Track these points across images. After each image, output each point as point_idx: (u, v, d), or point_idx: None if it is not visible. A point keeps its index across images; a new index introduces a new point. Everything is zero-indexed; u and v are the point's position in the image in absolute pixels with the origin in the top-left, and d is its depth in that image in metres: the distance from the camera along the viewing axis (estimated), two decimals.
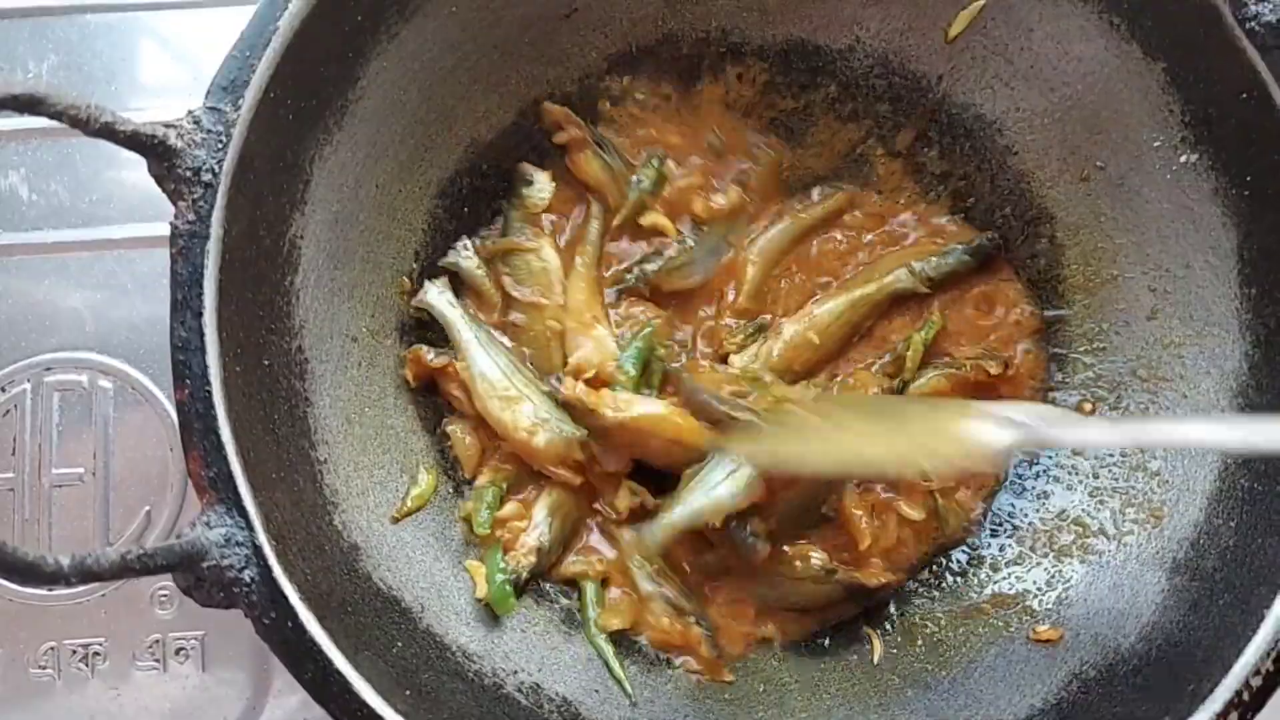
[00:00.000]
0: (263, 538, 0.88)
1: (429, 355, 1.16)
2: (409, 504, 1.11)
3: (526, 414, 1.10)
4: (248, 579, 0.87)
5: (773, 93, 1.27)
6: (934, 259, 1.22)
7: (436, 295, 1.18)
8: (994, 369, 1.18)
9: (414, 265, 1.18)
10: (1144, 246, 1.15)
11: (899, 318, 1.24)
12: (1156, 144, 1.10)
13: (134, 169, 1.31)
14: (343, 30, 1.00)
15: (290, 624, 0.87)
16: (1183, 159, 1.08)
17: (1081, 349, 1.21)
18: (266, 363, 0.98)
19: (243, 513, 0.87)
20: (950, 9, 1.16)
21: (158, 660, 1.18)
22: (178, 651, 1.21)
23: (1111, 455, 1.16)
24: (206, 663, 1.17)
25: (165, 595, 1.22)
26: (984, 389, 1.19)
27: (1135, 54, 1.07)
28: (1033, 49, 1.16)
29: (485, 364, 1.14)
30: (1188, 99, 1.05)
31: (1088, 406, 1.20)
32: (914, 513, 1.14)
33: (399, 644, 0.98)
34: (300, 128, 1.01)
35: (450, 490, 1.17)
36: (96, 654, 1.18)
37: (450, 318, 1.17)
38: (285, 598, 0.87)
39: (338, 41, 1.00)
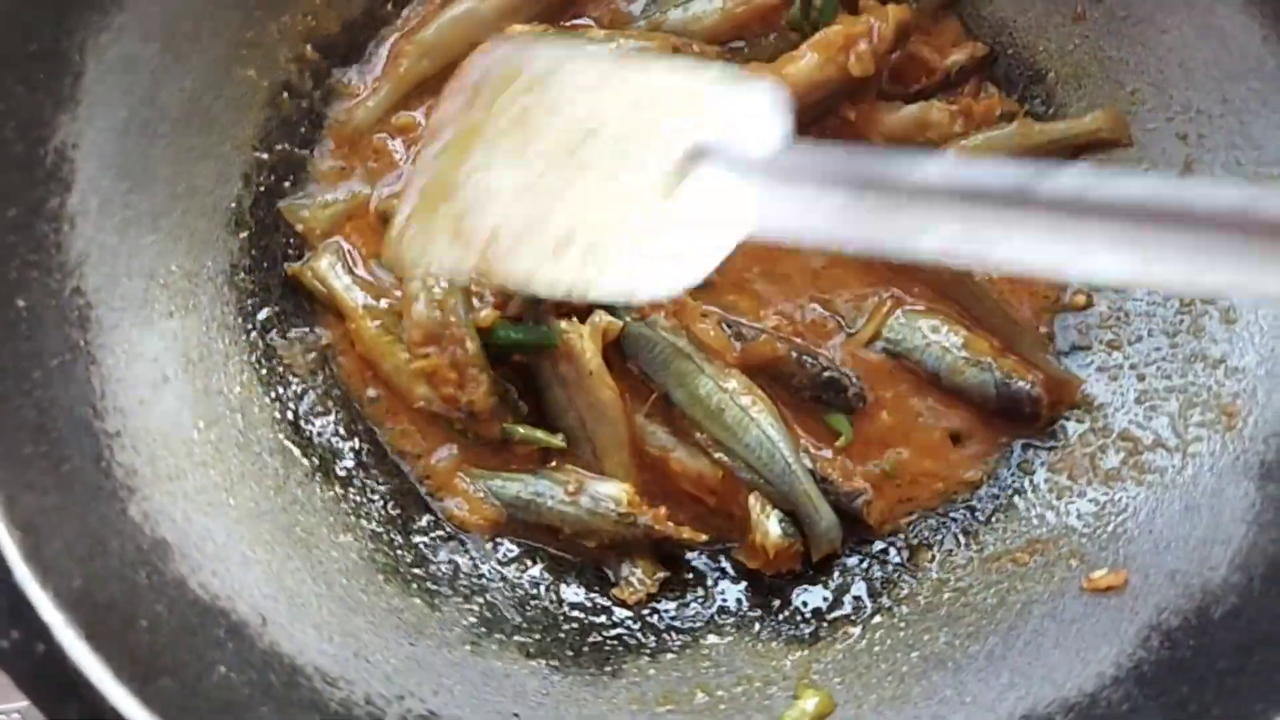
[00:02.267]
0: (1, 529, 0.62)
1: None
2: None
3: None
4: None
5: None
6: None
7: (329, 270, 0.96)
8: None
9: (242, 191, 0.95)
10: (1165, 87, 0.95)
11: None
12: None
13: None
14: None
15: (42, 647, 0.64)
16: None
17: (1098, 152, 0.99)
18: (22, 304, 0.76)
19: None
20: None
21: None
22: None
23: (1158, 346, 0.92)
24: None
25: None
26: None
27: None
28: None
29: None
30: None
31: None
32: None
33: (222, 668, 0.72)
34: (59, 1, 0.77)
35: (308, 470, 0.91)
36: None
37: (338, 290, 0.96)
38: (33, 611, 0.62)
39: None
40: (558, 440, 0.93)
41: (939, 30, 1.01)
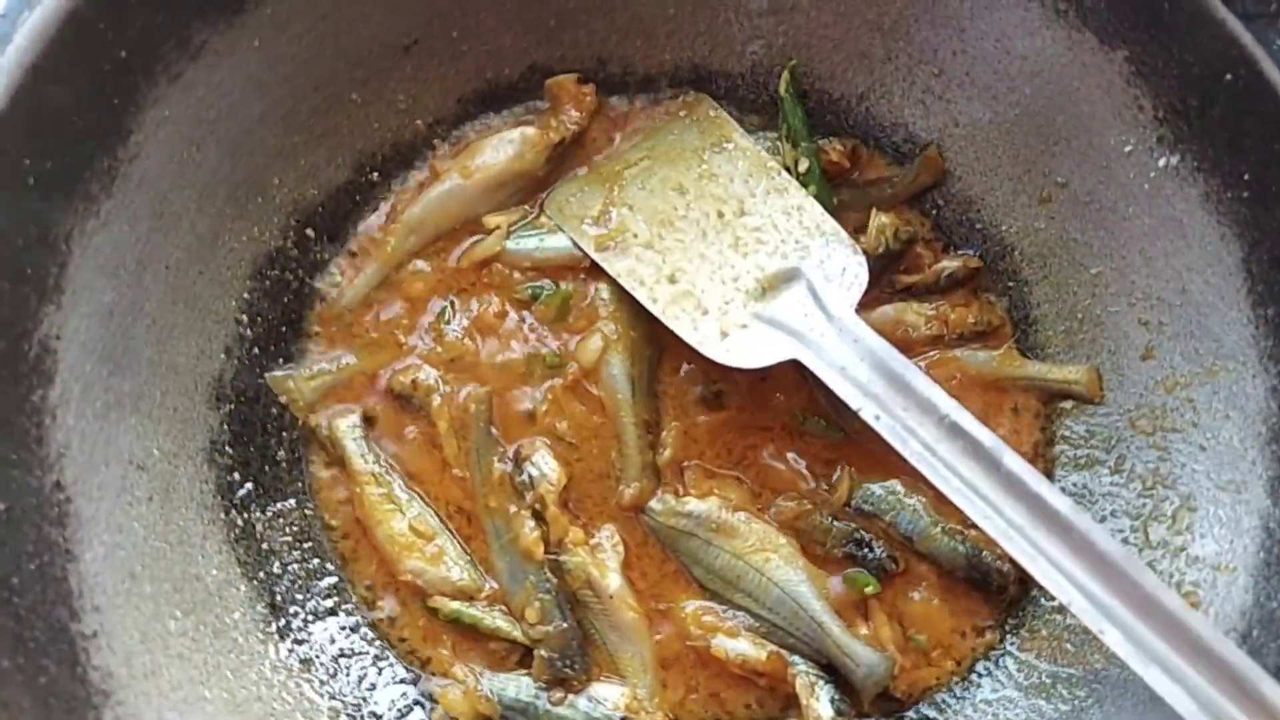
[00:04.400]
0: None
1: None
2: None
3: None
4: None
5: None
6: None
7: (348, 430, 0.98)
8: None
9: (224, 364, 0.94)
10: (1127, 273, 0.97)
11: None
12: (1128, 149, 0.93)
13: None
14: (100, 69, 0.80)
15: None
16: (1161, 163, 0.91)
17: (1065, 401, 0.99)
18: (2, 507, 0.73)
19: None
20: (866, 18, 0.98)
21: None
22: None
23: (1121, 528, 0.95)
24: None
25: None
26: None
27: (1090, 44, 0.91)
28: (966, 51, 0.98)
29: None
30: (1159, 90, 0.89)
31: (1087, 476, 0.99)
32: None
33: None
34: (48, 193, 0.80)
35: (283, 653, 0.90)
36: None
37: (351, 451, 0.98)
38: None
39: (96, 83, 0.80)
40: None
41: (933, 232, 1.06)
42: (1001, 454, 0.81)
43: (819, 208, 0.99)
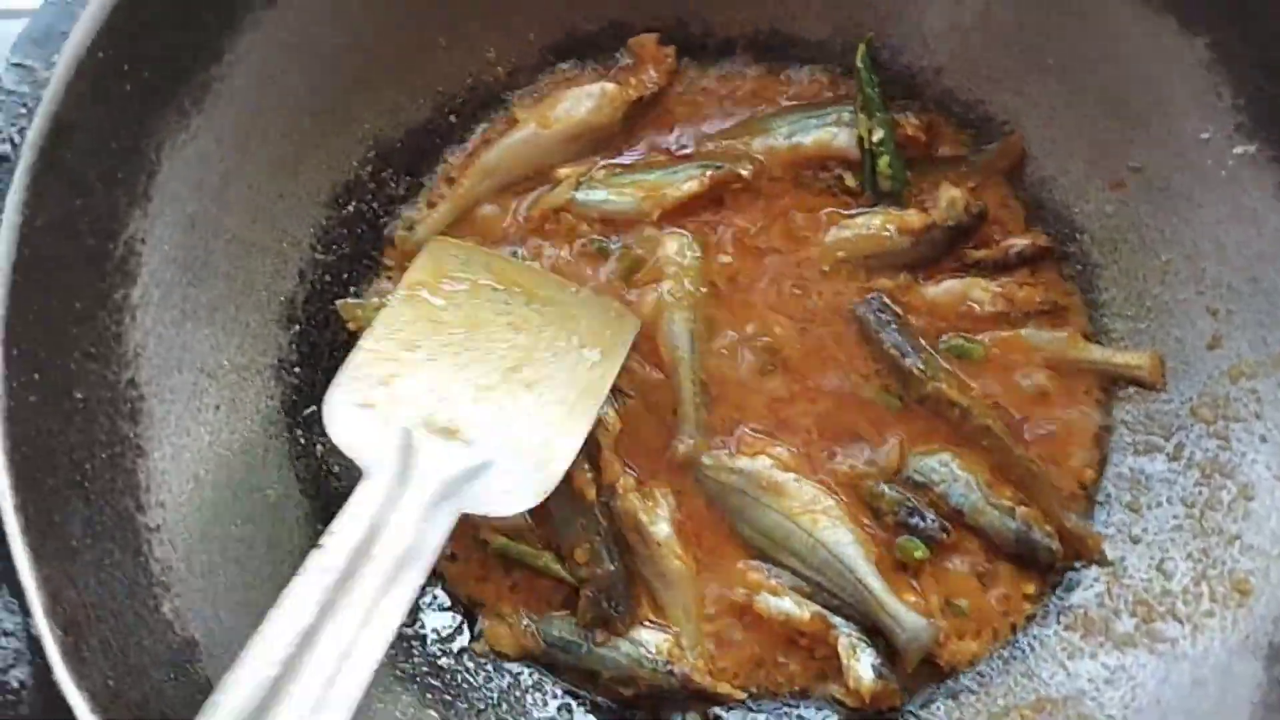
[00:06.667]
0: (43, 626, 0.65)
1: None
2: None
3: None
4: (14, 683, 0.63)
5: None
6: None
7: None
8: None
9: (297, 287, 0.96)
10: (1198, 260, 0.96)
11: None
12: (1205, 135, 0.92)
13: None
14: None
15: None
16: (1238, 151, 0.91)
17: (1126, 386, 0.99)
18: (79, 396, 0.78)
19: (15, 589, 0.63)
20: None
21: None
22: None
23: (1176, 514, 0.93)
24: None
25: None
26: None
27: (1170, 27, 0.90)
28: (1046, 32, 0.98)
29: None
30: (1239, 78, 0.89)
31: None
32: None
33: None
34: (144, 103, 0.82)
35: None
36: None
37: None
38: (69, 712, 0.63)
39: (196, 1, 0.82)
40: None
41: (1007, 209, 1.05)
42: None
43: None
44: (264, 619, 0.72)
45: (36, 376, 0.73)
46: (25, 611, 0.66)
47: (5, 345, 0.71)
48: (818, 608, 0.94)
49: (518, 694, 0.94)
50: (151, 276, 0.83)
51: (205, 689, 0.76)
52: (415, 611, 0.95)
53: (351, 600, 0.73)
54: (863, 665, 0.91)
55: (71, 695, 0.65)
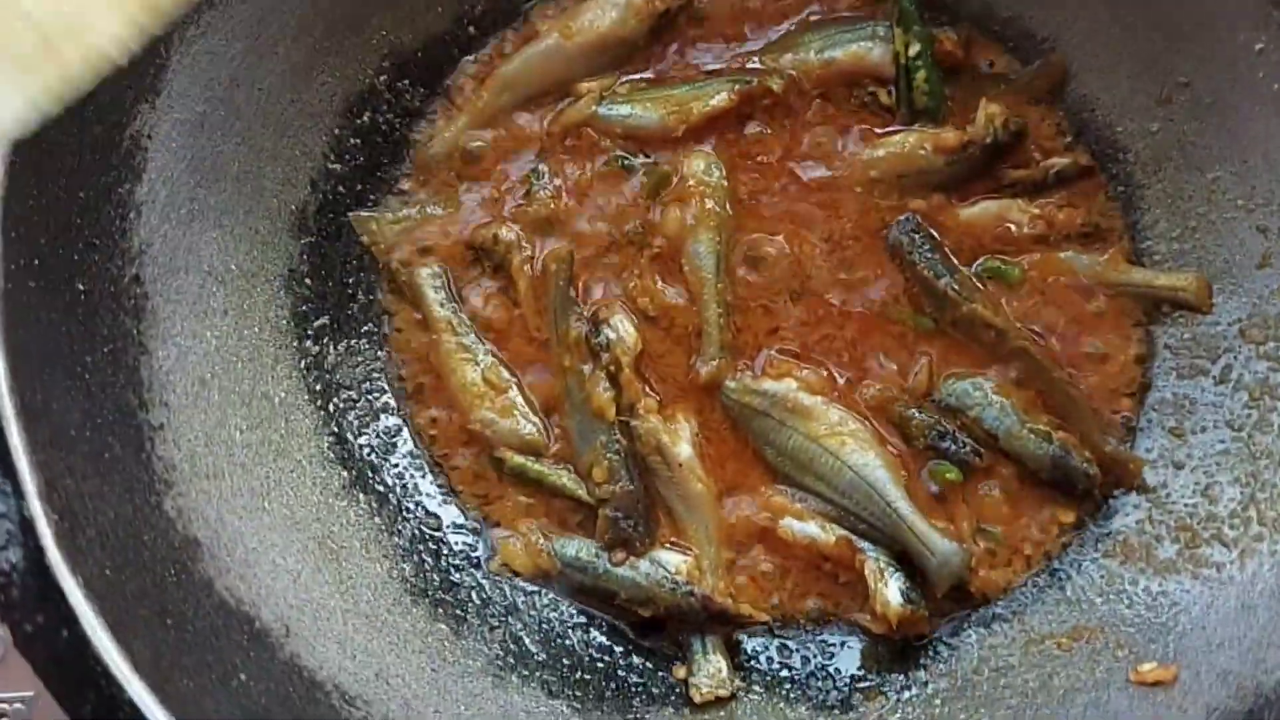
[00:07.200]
0: (37, 508, 0.64)
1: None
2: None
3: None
4: (4, 564, 0.60)
5: None
6: None
7: (429, 279, 0.97)
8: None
9: (308, 197, 0.94)
10: (1247, 178, 0.92)
11: None
12: (1258, 46, 0.88)
13: None
14: None
15: (65, 632, 0.62)
16: None
17: (1170, 310, 0.95)
18: (81, 287, 0.76)
19: (9, 470, 0.61)
20: None
21: None
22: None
23: (1223, 439, 0.89)
24: None
25: None
26: None
27: None
28: None
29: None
30: None
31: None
32: None
33: (243, 675, 0.71)
34: None
35: (346, 482, 0.89)
36: None
37: (430, 299, 0.97)
38: (62, 595, 0.61)
39: None
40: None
41: (1048, 127, 1.00)
42: None
43: None
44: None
45: (36, 262, 0.71)
46: (17, 494, 0.63)
47: (4, 227, 0.68)
48: (844, 532, 0.90)
49: (532, 612, 0.91)
50: (158, 173, 0.82)
51: (207, 587, 0.74)
52: (429, 526, 0.93)
53: None
54: (890, 590, 0.87)
55: (65, 579, 0.63)
